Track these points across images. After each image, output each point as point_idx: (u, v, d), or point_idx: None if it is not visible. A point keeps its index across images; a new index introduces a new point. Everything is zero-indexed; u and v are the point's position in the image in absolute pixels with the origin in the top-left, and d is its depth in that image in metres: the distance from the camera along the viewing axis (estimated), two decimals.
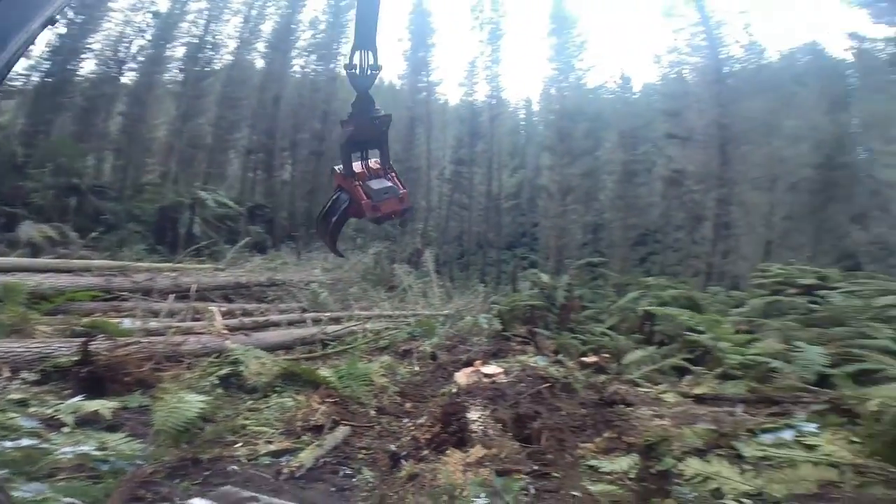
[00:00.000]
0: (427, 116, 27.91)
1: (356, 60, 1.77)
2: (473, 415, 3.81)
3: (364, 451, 3.54)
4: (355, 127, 1.85)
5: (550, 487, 3.07)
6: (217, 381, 4.16)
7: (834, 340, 5.39)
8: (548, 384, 4.54)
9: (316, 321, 7.28)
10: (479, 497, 2.80)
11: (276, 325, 6.77)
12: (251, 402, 4.07)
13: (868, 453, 3.13)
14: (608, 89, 31.11)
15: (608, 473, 3.24)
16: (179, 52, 21.07)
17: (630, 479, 3.15)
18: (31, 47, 1.14)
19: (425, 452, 3.42)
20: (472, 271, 24.69)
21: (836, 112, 18.04)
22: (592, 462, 3.38)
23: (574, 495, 2.98)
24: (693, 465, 3.03)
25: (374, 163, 1.97)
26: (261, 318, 6.86)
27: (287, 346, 6.04)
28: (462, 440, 3.51)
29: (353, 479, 3.16)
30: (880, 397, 3.63)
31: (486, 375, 4.81)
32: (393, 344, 6.98)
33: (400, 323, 8.42)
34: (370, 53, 1.76)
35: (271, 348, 5.52)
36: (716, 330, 6.21)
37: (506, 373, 4.95)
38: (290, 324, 6.98)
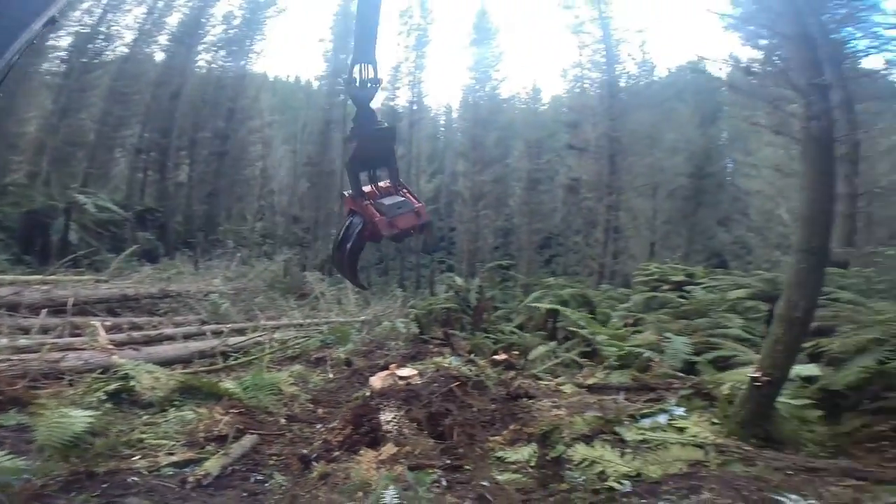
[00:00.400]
0: (344, 119, 27.37)
1: (356, 74, 1.73)
2: (387, 416, 3.90)
3: (275, 458, 3.50)
4: (359, 142, 1.77)
5: (462, 479, 3.20)
6: (105, 397, 3.86)
7: (697, 331, 6.13)
8: (459, 383, 4.72)
9: (217, 333, 6.88)
10: (388, 489, 2.86)
11: (172, 338, 6.31)
12: (147, 416, 3.84)
13: (726, 433, 3.49)
14: (521, 100, 32.80)
15: (513, 463, 3.44)
16: (65, 41, 18.47)
17: (531, 466, 3.37)
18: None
19: (337, 454, 3.45)
20: (391, 276, 24.65)
21: (706, 126, 20.77)
22: (500, 453, 3.58)
23: (483, 485, 3.11)
24: (580, 451, 3.26)
25: (384, 183, 1.89)
26: (153, 332, 6.34)
27: (185, 360, 5.72)
28: (375, 440, 3.58)
29: (266, 484, 3.13)
30: (731, 381, 4.11)
31: (401, 378, 4.91)
32: (305, 353, 6.83)
33: (312, 331, 8.22)
34: (370, 67, 1.71)
35: (166, 362, 5.23)
36: (593, 326, 6.83)
37: (420, 374, 5.09)
38: (187, 337, 6.54)
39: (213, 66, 24.24)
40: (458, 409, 4.18)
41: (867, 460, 3.16)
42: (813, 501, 2.35)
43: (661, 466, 3.02)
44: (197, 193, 22.69)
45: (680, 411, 4.08)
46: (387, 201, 1.80)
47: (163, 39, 21.77)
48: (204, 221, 21.66)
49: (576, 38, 21.92)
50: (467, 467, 3.38)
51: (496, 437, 3.87)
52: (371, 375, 5.33)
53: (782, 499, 2.38)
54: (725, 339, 5.86)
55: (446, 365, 5.64)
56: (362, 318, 9.81)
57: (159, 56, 22.08)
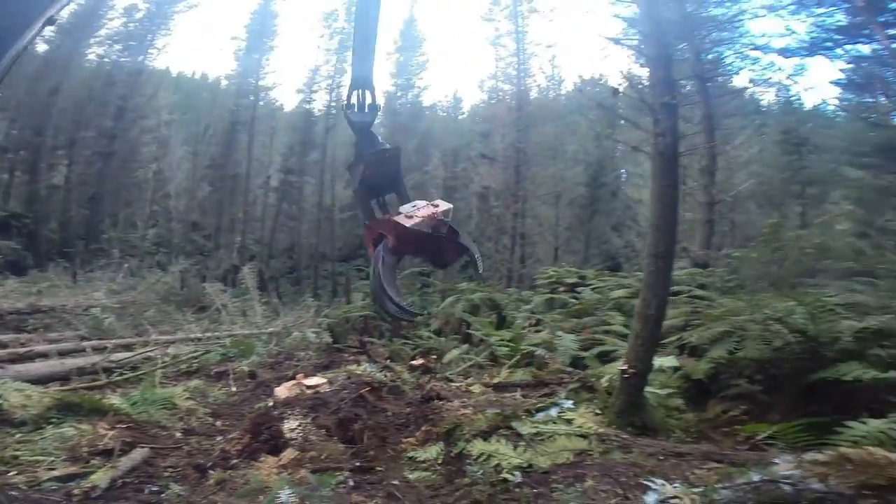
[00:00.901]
0: (252, 121, 26.00)
1: (353, 100, 1.64)
2: (292, 424, 3.91)
3: (171, 469, 3.36)
4: (364, 167, 1.65)
5: (373, 480, 3.27)
6: None
7: (586, 328, 6.70)
8: (370, 389, 4.83)
9: (99, 349, 6.28)
10: (283, 490, 2.87)
11: (45, 355, 5.69)
12: (20, 434, 3.52)
13: (607, 423, 3.79)
14: (442, 108, 33.30)
15: (423, 462, 3.56)
16: None
17: (439, 464, 3.50)
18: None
19: (235, 461, 3.40)
20: (304, 286, 23.73)
21: (602, 139, 22.70)
22: (412, 453, 3.69)
23: (393, 484, 3.20)
24: (478, 446, 3.42)
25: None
26: (21, 350, 5.68)
27: (62, 378, 5.27)
28: (277, 447, 3.57)
29: (162, 495, 3.01)
30: (609, 374, 4.46)
31: (309, 387, 4.93)
32: (204, 367, 6.50)
33: (212, 345, 7.75)
34: (367, 92, 1.65)
35: (40, 380, 4.84)
36: (487, 328, 7.20)
37: (330, 383, 5.12)
38: (64, 354, 5.92)
39: (104, 60, 21.90)
40: (369, 414, 4.28)
41: (724, 443, 3.51)
42: (678, 485, 2.49)
43: (551, 457, 3.22)
44: (76, 197, 20.27)
45: (568, 404, 4.37)
46: (402, 209, 1.71)
47: (47, 30, 19.09)
48: (84, 229, 19.36)
49: (493, 51, 22.81)
50: (378, 468, 3.46)
51: (409, 439, 3.99)
52: (277, 387, 5.25)
53: (651, 484, 2.56)
54: (608, 334, 6.37)
55: (359, 372, 5.71)
56: (270, 329, 9.40)
57: (42, 48, 19.49)
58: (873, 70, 13.54)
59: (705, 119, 11.20)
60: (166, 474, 3.29)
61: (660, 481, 2.55)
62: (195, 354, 6.92)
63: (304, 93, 28.06)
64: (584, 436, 3.54)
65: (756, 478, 2.13)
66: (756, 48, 14.67)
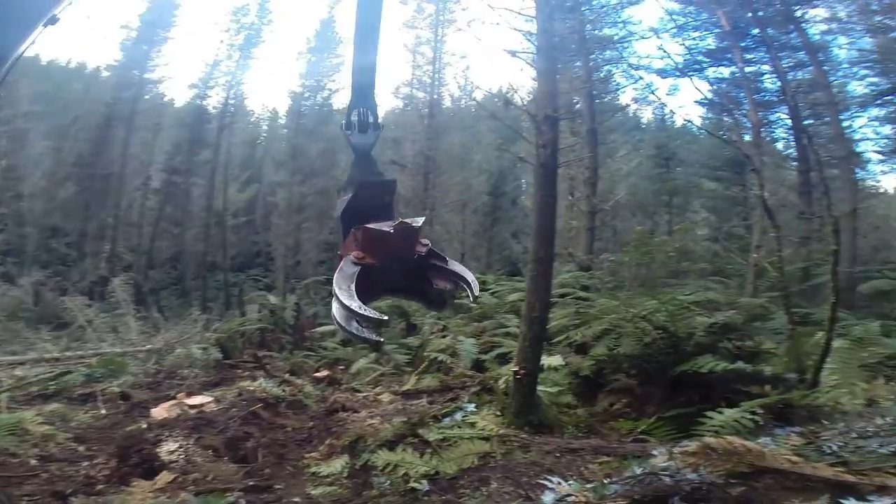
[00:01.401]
0: (131, 116, 23.20)
1: (354, 118, 1.37)
2: (171, 446, 3.69)
3: (28, 498, 3.03)
4: (355, 192, 1.34)
5: (270, 499, 3.13)
6: None
7: (485, 331, 6.91)
8: (265, 405, 4.62)
9: None
10: None
11: None
12: None
13: (507, 424, 3.87)
14: None
15: (327, 476, 3.43)
16: None
17: (344, 477, 3.39)
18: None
19: (101, 487, 3.13)
20: (191, 298, 21.64)
21: (503, 149, 23.82)
22: (315, 468, 3.54)
23: (294, 501, 3.07)
24: (383, 457, 3.35)
25: None
26: None
27: None
28: (152, 471, 3.31)
29: None
30: (505, 375, 4.57)
31: (192, 406, 4.71)
32: (66, 389, 5.78)
33: (74, 365, 6.80)
34: (369, 112, 1.40)
35: None
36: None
37: (217, 401, 4.90)
38: None
39: None
40: (263, 431, 4.12)
41: (611, 437, 3.73)
42: (573, 482, 2.58)
43: (457, 462, 3.23)
44: None
45: (471, 407, 4.43)
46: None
47: None
48: None
49: (412, 58, 22.82)
50: (277, 486, 3.32)
51: (312, 454, 3.85)
52: (155, 407, 4.90)
53: (548, 483, 2.63)
54: (506, 337, 6.59)
55: (252, 388, 5.40)
56: (148, 347, 8.42)
57: None
58: (730, 91, 15.87)
59: (589, 133, 12.25)
60: (21, 503, 2.95)
61: (556, 479, 2.64)
62: (50, 375, 6.09)
63: (199, 88, 25.89)
64: (486, 438, 3.59)
65: (639, 471, 2.28)
66: (639, 68, 16.47)
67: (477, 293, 1.27)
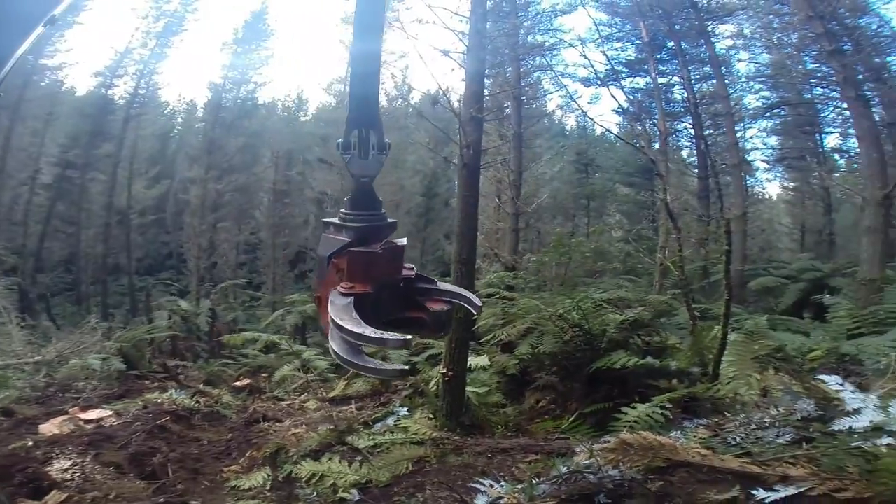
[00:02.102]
0: (17, 103, 20.33)
1: (353, 139, 1.03)
2: (63, 464, 3.43)
3: None
4: (356, 238, 1.03)
5: None
6: None
7: None
8: (174, 418, 4.38)
9: None
10: None
11: None
12: None
13: (439, 426, 3.83)
14: (285, 107, 30.74)
15: (248, 490, 3.28)
16: None
17: (267, 490, 3.23)
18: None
19: None
20: (90, 305, 19.49)
21: (439, 150, 23.95)
22: (235, 482, 3.36)
23: None
24: (307, 467, 3.21)
25: None
26: None
27: None
28: (40, 491, 3.02)
29: None
30: (436, 377, 4.52)
31: (87, 421, 4.44)
32: None
33: None
34: (371, 131, 1.06)
35: None
36: (294, 343, 6.97)
37: (118, 415, 4.63)
38: None
39: None
40: (173, 445, 3.89)
41: (539, 434, 3.78)
42: (504, 484, 2.56)
43: (390, 469, 3.15)
44: None
45: (404, 411, 4.41)
46: None
47: None
48: None
49: (346, 54, 22.21)
50: (192, 502, 3.17)
51: (232, 467, 3.66)
52: (44, 423, 4.48)
53: (480, 486, 2.59)
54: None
55: (160, 400, 5.04)
56: (36, 358, 7.45)
57: None
58: (643, 101, 17.13)
59: (515, 137, 12.67)
60: None
61: (488, 482, 2.65)
62: None
63: (105, 76, 23.36)
64: (420, 442, 3.56)
65: (564, 469, 2.32)
66: (565, 76, 17.27)
67: (479, 305, 1.23)
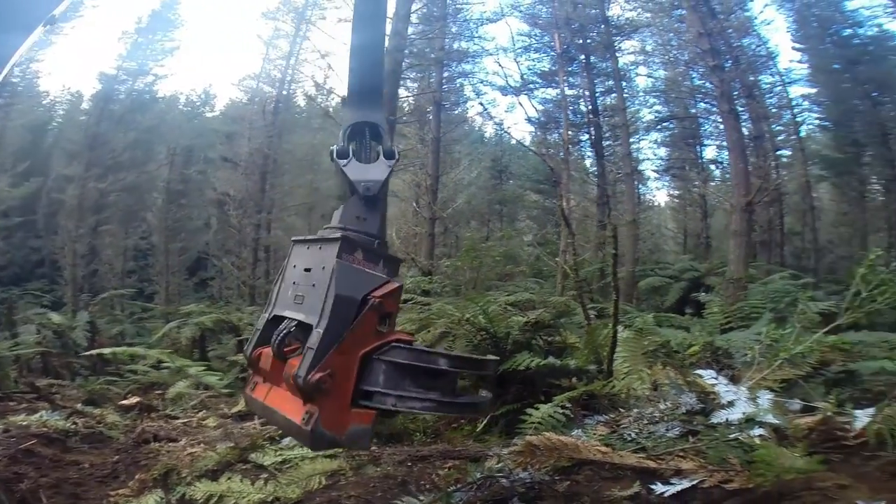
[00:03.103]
0: None
1: (351, 144, 0.93)
2: None
3: None
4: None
5: None
6: None
7: None
8: (45, 441, 3.77)
9: None
10: None
11: None
12: None
13: None
14: (190, 102, 28.07)
15: None
16: None
17: None
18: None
19: None
20: None
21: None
22: None
23: None
24: (202, 488, 2.91)
25: None
26: None
27: None
28: None
29: None
30: None
31: None
32: None
33: None
34: (376, 131, 0.96)
35: None
36: (178, 360, 6.60)
37: None
38: None
39: None
40: (44, 471, 3.37)
41: (456, 439, 3.71)
42: (423, 496, 2.48)
43: (300, 485, 2.92)
44: None
45: None
46: None
47: None
48: None
49: (264, 50, 20.73)
50: None
51: (121, 490, 3.24)
52: None
53: (399, 502, 2.49)
54: None
55: (26, 423, 4.39)
56: None
57: None
58: (552, 111, 18.18)
59: (433, 142, 12.85)
60: None
61: (406, 498, 2.60)
62: None
63: None
64: (333, 456, 3.29)
65: (478, 475, 2.33)
66: (485, 83, 17.79)
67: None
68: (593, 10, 16.47)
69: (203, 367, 4.83)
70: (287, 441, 3.96)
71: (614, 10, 16.76)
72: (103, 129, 20.96)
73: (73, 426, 4.28)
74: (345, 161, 1.05)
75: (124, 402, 6.09)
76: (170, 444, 4.25)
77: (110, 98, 21.96)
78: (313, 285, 1.15)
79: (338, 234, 1.07)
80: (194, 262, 23.12)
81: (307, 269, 1.23)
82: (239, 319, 9.05)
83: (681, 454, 2.12)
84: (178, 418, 5.31)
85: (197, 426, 4.88)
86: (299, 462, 3.27)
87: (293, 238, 1.23)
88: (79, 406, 5.59)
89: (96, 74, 23.03)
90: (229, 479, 3.03)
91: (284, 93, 20.83)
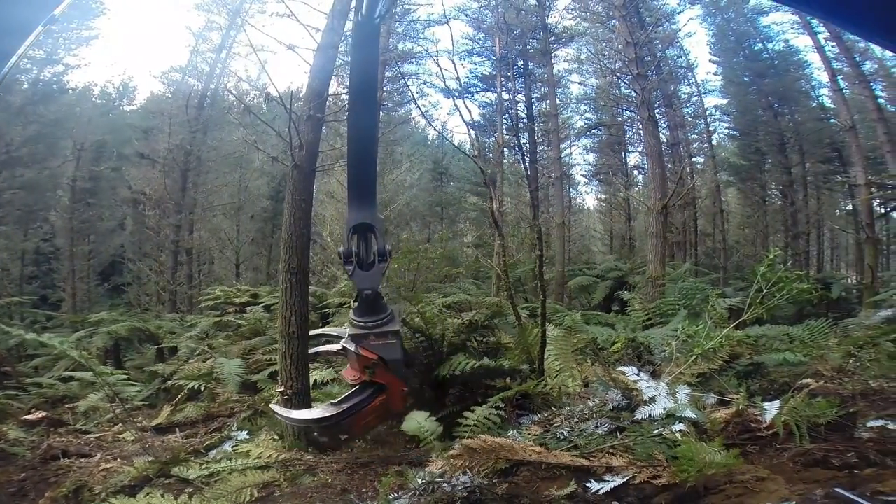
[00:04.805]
0: None
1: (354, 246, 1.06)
2: None
3: None
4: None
5: None
6: None
7: (256, 349, 6.37)
8: None
9: None
10: None
11: None
12: None
13: (288, 447, 3.54)
14: (106, 94, 25.38)
15: None
16: None
17: None
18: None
19: None
20: None
21: (287, 150, 22.33)
22: None
23: None
24: None
25: None
26: None
27: None
28: None
29: None
30: (275, 395, 4.07)
31: None
32: None
33: None
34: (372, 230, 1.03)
35: None
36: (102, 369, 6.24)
37: None
38: None
39: None
40: None
41: (397, 444, 3.65)
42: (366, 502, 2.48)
43: (229, 499, 2.84)
44: None
45: (243, 435, 4.03)
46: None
47: None
48: None
49: (193, 42, 19.12)
50: None
51: None
52: None
53: None
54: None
55: None
56: None
57: None
58: (489, 115, 18.51)
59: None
60: None
61: None
62: None
63: None
64: (265, 467, 3.25)
65: (420, 481, 2.29)
66: (427, 85, 17.72)
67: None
68: (534, 17, 16.98)
69: (124, 378, 4.50)
70: (213, 454, 3.73)
71: (553, 18, 17.40)
72: None
73: None
74: (350, 268, 1.24)
75: (28, 416, 5.69)
76: (82, 459, 4.01)
77: (9, 88, 19.49)
78: None
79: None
80: (108, 267, 21.10)
81: None
82: (158, 328, 8.39)
83: (611, 451, 2.20)
84: (90, 433, 5.05)
85: (112, 440, 4.68)
86: (227, 475, 3.16)
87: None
88: None
89: None
90: (149, 494, 2.89)
91: (213, 87, 19.56)
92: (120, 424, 5.20)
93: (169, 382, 5.68)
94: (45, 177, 20.03)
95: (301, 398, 3.75)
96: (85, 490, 3.09)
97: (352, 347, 1.41)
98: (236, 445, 3.79)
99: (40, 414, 5.63)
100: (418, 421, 3.07)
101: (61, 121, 21.33)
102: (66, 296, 17.83)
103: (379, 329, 1.38)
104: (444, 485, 2.25)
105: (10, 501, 2.35)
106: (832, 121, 15.06)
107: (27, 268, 18.96)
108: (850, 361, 3.42)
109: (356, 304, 1.38)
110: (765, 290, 3.21)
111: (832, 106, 14.71)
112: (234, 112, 18.65)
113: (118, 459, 3.87)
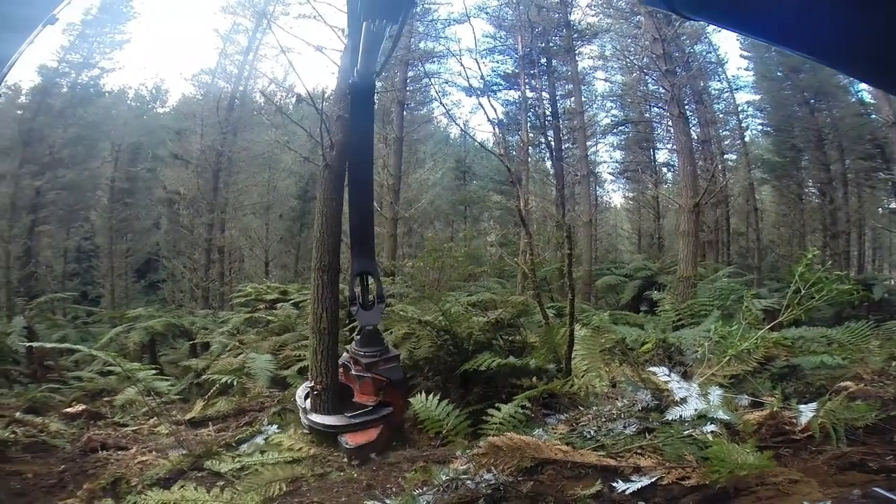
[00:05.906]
0: None
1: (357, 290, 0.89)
2: None
3: None
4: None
5: None
6: None
7: (286, 345, 6.50)
8: None
9: None
10: None
11: None
12: None
13: (318, 443, 3.58)
14: (140, 97, 26.45)
15: None
16: None
17: None
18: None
19: None
20: None
21: (317, 150, 22.71)
22: None
23: None
24: (154, 497, 2.82)
25: None
26: None
27: None
28: None
29: None
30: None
31: None
32: None
33: None
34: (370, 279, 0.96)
35: None
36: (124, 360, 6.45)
37: None
38: None
39: None
40: None
41: (422, 442, 3.67)
42: (390, 500, 2.48)
43: (259, 492, 2.89)
44: None
45: (274, 429, 4.09)
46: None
47: None
48: None
49: (221, 45, 19.70)
50: None
51: (69, 500, 3.16)
52: None
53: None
54: (307, 349, 6.36)
55: None
56: None
57: None
58: (513, 113, 18.37)
59: (397, 142, 12.72)
60: None
61: (371, 502, 2.56)
62: None
63: None
64: (295, 461, 3.32)
65: (444, 478, 2.30)
66: (450, 84, 17.74)
67: None
68: (556, 14, 16.79)
69: (154, 372, 4.64)
70: (244, 447, 3.84)
71: (576, 15, 17.17)
72: (40, 123, 19.52)
73: (12, 436, 4.14)
74: (355, 308, 1.67)
75: (69, 409, 5.86)
76: (119, 452, 4.11)
77: (49, 92, 20.45)
78: None
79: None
80: (144, 264, 21.95)
81: None
82: (192, 323, 8.66)
83: (639, 451, 2.16)
84: (127, 426, 5.17)
85: (148, 434, 4.77)
86: (258, 468, 3.23)
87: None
88: (18, 415, 5.26)
89: (36, 67, 21.46)
90: (182, 487, 2.97)
91: (241, 88, 20.06)
92: (155, 418, 5.39)
93: (202, 377, 5.84)
94: (85, 178, 20.96)
95: (333, 393, 3.82)
96: (122, 482, 3.19)
97: (367, 374, 1.59)
98: (268, 439, 3.88)
99: (80, 407, 5.81)
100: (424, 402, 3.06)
101: (99, 123, 22.26)
102: (105, 292, 18.59)
103: (383, 356, 1.60)
104: (469, 482, 2.25)
105: (11, 501, 2.34)
106: (873, 116, 14.38)
107: (69, 265, 19.85)
108: (893, 364, 3.27)
109: (359, 337, 1.56)
110: (803, 291, 3.09)
111: (873, 101, 14.04)
112: (265, 113, 19.12)
113: (153, 452, 3.95)
